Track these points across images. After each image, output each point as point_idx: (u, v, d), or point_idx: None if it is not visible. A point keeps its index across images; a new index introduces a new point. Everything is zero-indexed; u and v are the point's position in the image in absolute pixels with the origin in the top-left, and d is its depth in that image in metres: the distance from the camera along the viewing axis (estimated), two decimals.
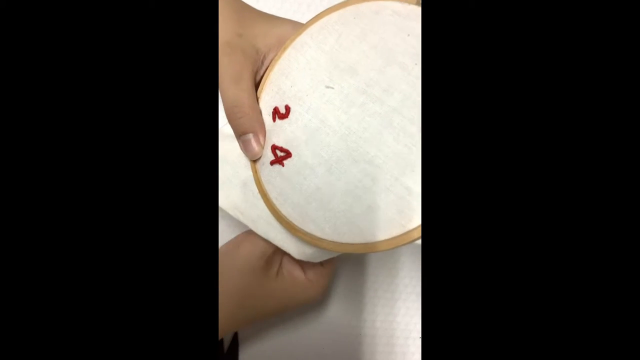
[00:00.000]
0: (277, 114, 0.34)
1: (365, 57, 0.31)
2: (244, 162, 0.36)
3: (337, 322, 0.50)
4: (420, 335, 0.50)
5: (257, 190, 0.35)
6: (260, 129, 0.34)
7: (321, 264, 0.40)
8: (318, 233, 0.32)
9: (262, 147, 0.34)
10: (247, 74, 0.33)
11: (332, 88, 0.32)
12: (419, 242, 0.30)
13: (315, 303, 0.49)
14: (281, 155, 0.33)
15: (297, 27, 0.35)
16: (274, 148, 0.33)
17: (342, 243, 0.31)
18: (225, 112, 0.33)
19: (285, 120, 0.33)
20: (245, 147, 0.34)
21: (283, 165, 0.33)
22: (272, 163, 0.34)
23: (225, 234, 0.43)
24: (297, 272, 0.40)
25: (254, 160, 0.35)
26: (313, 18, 0.34)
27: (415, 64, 0.30)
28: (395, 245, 0.30)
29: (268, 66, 0.35)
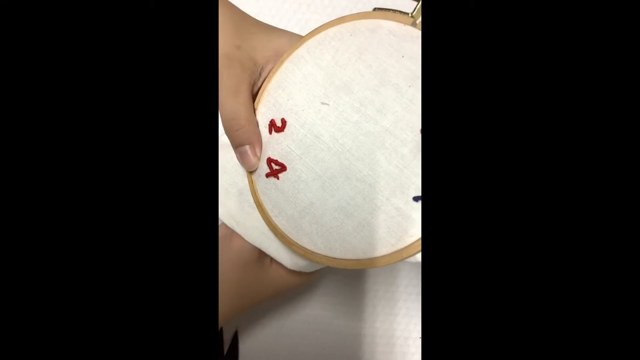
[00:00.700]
0: (273, 126, 0.34)
1: (360, 75, 0.31)
2: (241, 171, 0.37)
3: (337, 322, 0.51)
4: (420, 336, 0.51)
5: (252, 200, 0.36)
6: (257, 140, 0.34)
7: None
8: (311, 247, 0.33)
9: (259, 158, 0.35)
10: (245, 86, 0.34)
11: (328, 104, 0.32)
12: (409, 259, 0.30)
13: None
14: (276, 169, 0.34)
15: (294, 40, 0.35)
16: (270, 161, 0.34)
17: (334, 258, 0.32)
18: (223, 124, 0.34)
19: (281, 133, 0.34)
20: (242, 158, 0.35)
21: (278, 179, 0.34)
22: (267, 176, 0.34)
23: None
24: None
25: (251, 171, 0.35)
26: (311, 32, 0.34)
27: (409, 86, 0.30)
28: (386, 262, 0.30)
29: (265, 78, 0.35)
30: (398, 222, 0.30)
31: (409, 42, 0.30)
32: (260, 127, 0.35)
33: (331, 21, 0.33)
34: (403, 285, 0.52)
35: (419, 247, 0.29)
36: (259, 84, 0.36)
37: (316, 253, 0.33)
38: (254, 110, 0.35)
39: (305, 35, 0.34)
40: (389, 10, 0.32)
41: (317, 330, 0.50)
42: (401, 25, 0.31)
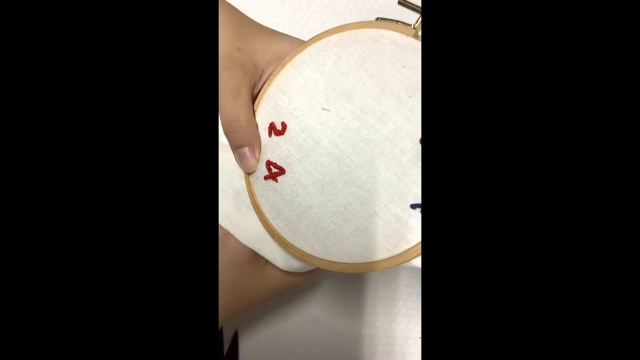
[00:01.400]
0: (273, 129, 0.34)
1: (362, 84, 0.32)
2: (238, 172, 0.37)
3: (337, 322, 0.51)
4: (420, 336, 0.51)
5: (249, 201, 0.36)
6: (256, 143, 0.35)
7: None
8: (308, 250, 0.33)
9: (258, 160, 0.35)
10: (245, 88, 0.34)
11: (328, 110, 0.32)
12: (406, 264, 0.30)
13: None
14: (275, 172, 0.34)
15: (295, 44, 0.35)
16: (269, 164, 0.34)
17: (331, 261, 0.32)
18: (223, 126, 0.34)
19: (281, 137, 0.34)
20: (241, 160, 0.35)
21: (277, 182, 0.34)
22: (266, 178, 0.34)
23: None
24: None
25: (248, 173, 0.36)
26: (312, 38, 0.34)
27: (410, 96, 0.30)
28: (382, 267, 0.31)
29: (266, 80, 0.36)
30: (395, 228, 0.30)
31: (410, 53, 0.31)
32: (259, 130, 0.35)
33: (333, 28, 0.34)
34: (403, 285, 0.52)
35: (416, 253, 0.30)
36: (259, 87, 0.36)
37: (313, 256, 0.33)
38: (254, 112, 0.35)
39: (307, 41, 0.35)
40: (391, 20, 0.32)
41: (317, 330, 0.50)
42: (403, 36, 0.31)
